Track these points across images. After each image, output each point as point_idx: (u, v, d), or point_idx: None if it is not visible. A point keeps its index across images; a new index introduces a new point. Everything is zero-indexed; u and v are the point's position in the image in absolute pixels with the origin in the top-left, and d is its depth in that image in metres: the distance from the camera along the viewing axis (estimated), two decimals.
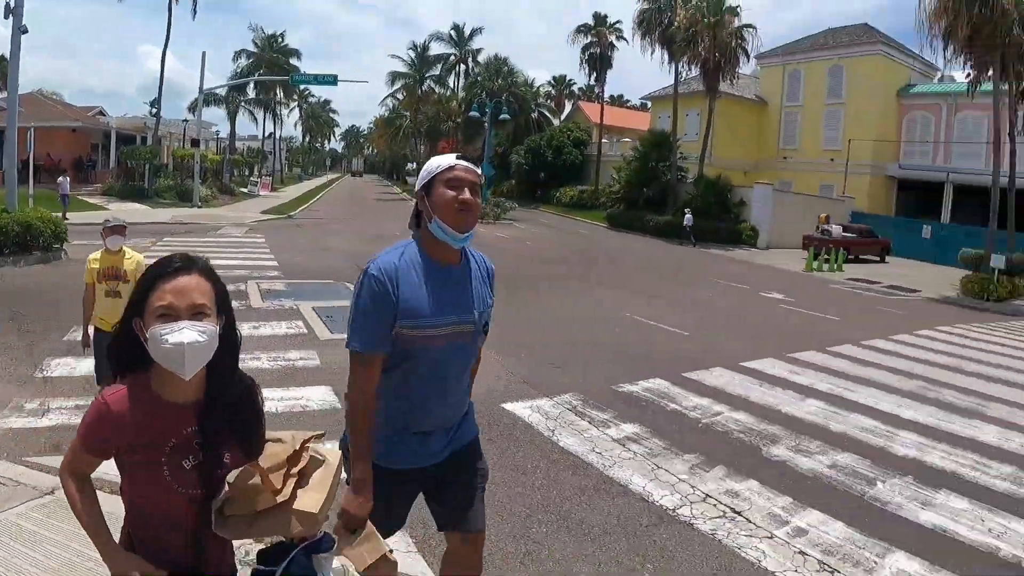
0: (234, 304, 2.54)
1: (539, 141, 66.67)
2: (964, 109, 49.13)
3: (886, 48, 54.95)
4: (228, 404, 2.47)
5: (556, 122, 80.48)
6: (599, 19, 64.84)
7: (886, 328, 18.48)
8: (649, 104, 71.36)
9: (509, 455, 7.38)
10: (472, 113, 54.09)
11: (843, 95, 55.81)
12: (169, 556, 2.44)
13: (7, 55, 22.00)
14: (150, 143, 50.93)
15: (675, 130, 49.07)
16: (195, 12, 50.56)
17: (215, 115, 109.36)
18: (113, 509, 2.52)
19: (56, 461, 3.75)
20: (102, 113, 59.86)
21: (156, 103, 53.68)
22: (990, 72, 32.54)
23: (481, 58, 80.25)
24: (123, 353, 2.43)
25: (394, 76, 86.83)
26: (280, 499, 2.41)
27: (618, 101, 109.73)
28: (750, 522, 6.33)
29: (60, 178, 30.93)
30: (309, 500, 2.47)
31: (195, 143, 46.60)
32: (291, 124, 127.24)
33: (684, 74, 49.56)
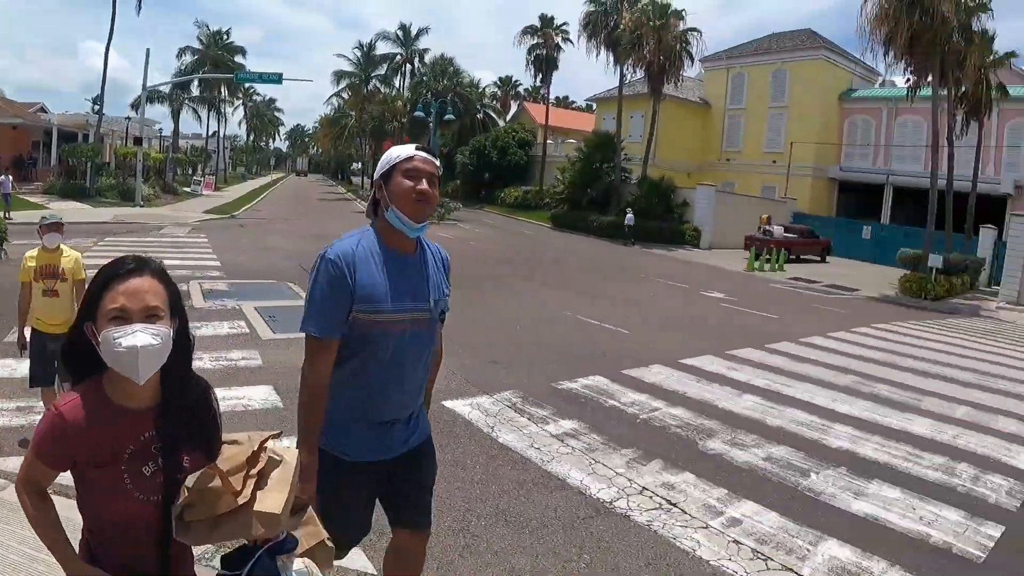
0: None
1: (484, 142, 66.77)
2: (904, 113, 50.14)
3: (829, 53, 55.82)
4: (184, 407, 2.44)
5: (502, 123, 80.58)
6: (545, 21, 64.97)
7: (825, 326, 18.83)
8: (594, 106, 71.72)
9: (449, 451, 7.42)
10: (417, 113, 53.84)
11: (786, 99, 56.58)
12: (131, 565, 2.40)
13: None
14: (92, 141, 50.03)
15: (619, 131, 49.27)
16: (140, 7, 50.15)
17: (159, 113, 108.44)
18: (70, 515, 2.47)
19: None
20: (43, 110, 59.02)
21: (99, 100, 53.01)
22: (929, 77, 33.15)
23: (428, 58, 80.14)
24: (77, 358, 2.39)
25: (339, 75, 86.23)
26: (241, 501, 2.36)
27: (564, 102, 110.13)
28: (685, 513, 6.45)
29: (1, 177, 30.29)
30: (271, 501, 2.42)
31: (138, 141, 45.86)
32: (235, 123, 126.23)
33: (629, 76, 49.84)
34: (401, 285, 3.29)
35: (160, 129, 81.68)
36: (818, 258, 43.25)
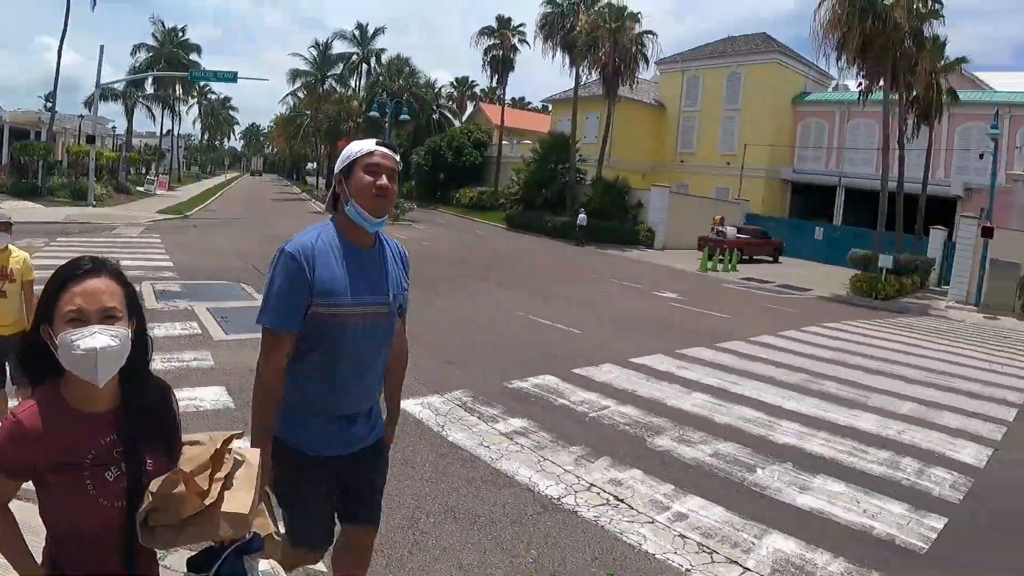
0: None
1: (440, 142, 66.63)
2: (856, 117, 50.91)
3: (783, 57, 56.56)
4: (144, 408, 2.40)
5: (458, 123, 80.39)
6: (502, 22, 64.84)
7: (776, 325, 19.04)
8: (550, 107, 72.15)
9: (399, 450, 7.37)
10: (372, 113, 53.59)
11: (740, 101, 57.21)
12: (96, 573, 2.31)
13: None
14: (44, 139, 49.26)
15: (574, 133, 49.43)
16: (95, 2, 49.34)
17: (112, 111, 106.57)
18: (26, 518, 2.42)
19: None
20: None
21: (51, 97, 52.25)
22: (881, 82, 33.68)
23: (384, 58, 79.79)
24: (34, 362, 2.33)
25: (295, 74, 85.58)
26: (208, 501, 2.32)
27: (520, 103, 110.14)
28: (632, 508, 6.52)
29: None
30: (237, 501, 2.38)
31: (91, 139, 45.12)
32: (190, 121, 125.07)
33: (585, 78, 50.16)
34: (360, 279, 3.30)
35: (114, 127, 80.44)
36: (771, 258, 43.74)
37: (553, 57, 50.14)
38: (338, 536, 3.79)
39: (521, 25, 64.07)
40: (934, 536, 6.52)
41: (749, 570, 5.57)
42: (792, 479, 7.60)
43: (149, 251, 22.86)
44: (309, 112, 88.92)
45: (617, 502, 6.64)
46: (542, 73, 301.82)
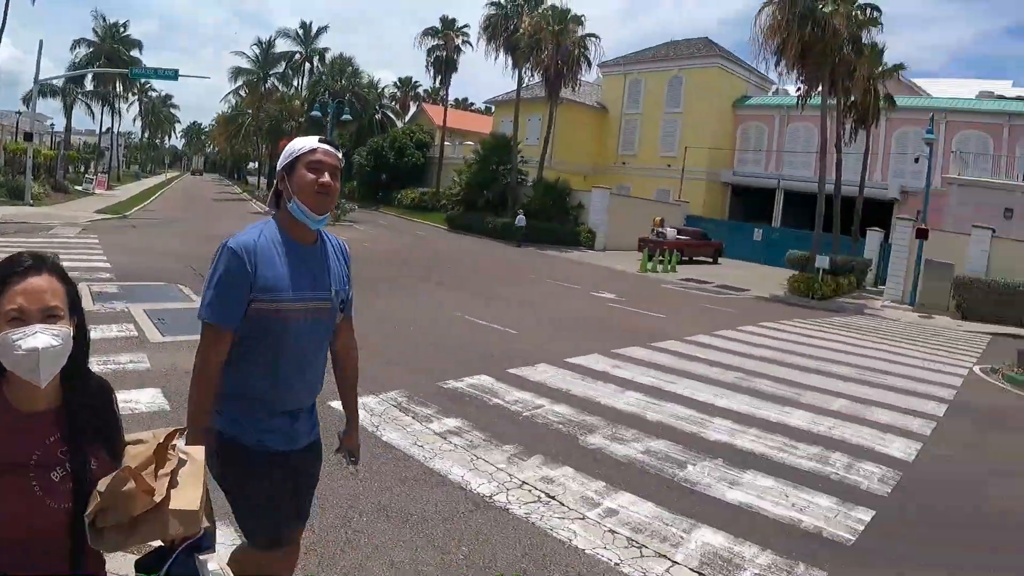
0: None
1: (382, 143, 66.61)
2: (795, 121, 51.73)
3: (724, 61, 57.28)
4: (87, 406, 2.36)
5: (400, 124, 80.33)
6: (446, 22, 64.78)
7: (713, 325, 19.25)
8: (493, 108, 72.14)
9: (332, 450, 7.41)
10: (314, 113, 53.27)
11: (682, 105, 57.82)
12: None
13: None
14: None
15: (516, 134, 49.63)
16: None
17: (51, 107, 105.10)
18: None
19: None
20: None
21: None
22: (820, 87, 34.22)
23: (328, 57, 79.41)
24: None
25: (237, 72, 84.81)
26: (157, 498, 2.26)
27: (463, 104, 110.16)
28: (563, 505, 6.54)
29: None
30: (186, 497, 2.33)
31: (28, 137, 44.26)
32: (130, 119, 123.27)
33: (527, 80, 50.17)
34: (302, 275, 3.30)
35: (52, 124, 79.42)
36: (710, 260, 44.29)
37: (496, 59, 50.52)
38: None
39: (465, 26, 64.26)
40: (861, 528, 6.64)
41: (678, 563, 5.62)
42: (722, 475, 7.69)
43: (87, 252, 22.50)
44: (251, 111, 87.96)
45: (548, 499, 6.66)
46: (485, 74, 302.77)
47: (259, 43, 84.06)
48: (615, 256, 41.12)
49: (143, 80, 78.67)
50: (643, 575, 5.42)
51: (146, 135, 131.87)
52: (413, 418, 8.80)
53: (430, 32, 64.63)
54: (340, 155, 3.44)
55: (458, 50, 64.61)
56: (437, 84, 72.98)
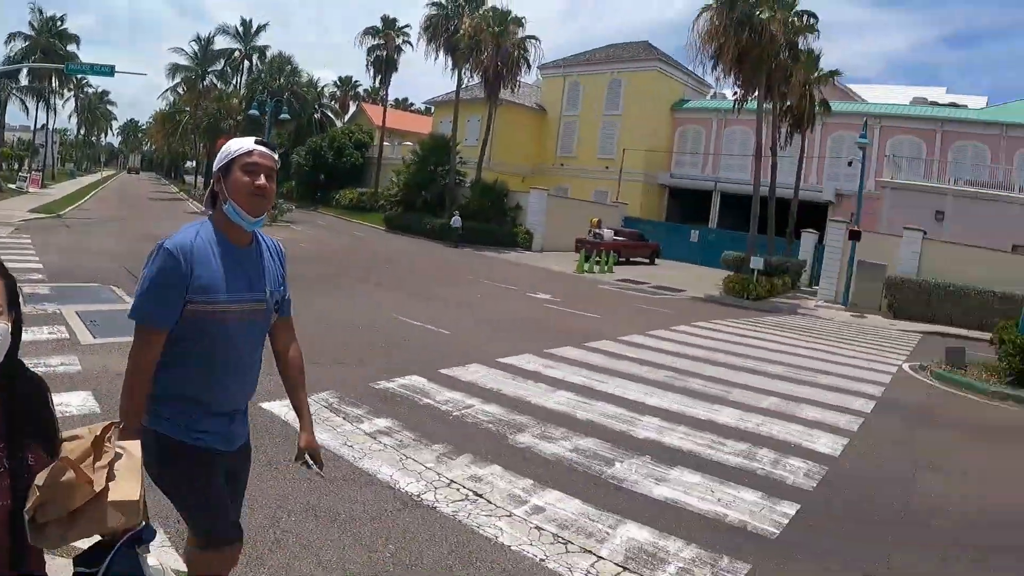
0: None
1: (321, 142, 66.20)
2: (732, 124, 52.43)
3: (663, 65, 57.83)
4: (24, 404, 2.34)
5: (340, 123, 80.00)
6: (387, 22, 64.38)
7: (647, 325, 19.42)
8: (432, 108, 72.09)
9: (263, 451, 7.29)
10: (252, 111, 52.73)
11: (620, 107, 58.25)
12: None
13: None
14: None
15: (455, 135, 49.65)
16: None
17: None
18: None
19: None
20: None
21: None
22: (756, 92, 34.66)
23: (268, 55, 78.78)
24: None
25: (175, 69, 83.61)
26: (97, 488, 2.25)
27: (403, 104, 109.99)
28: (490, 503, 6.56)
29: None
30: (125, 489, 2.33)
31: None
32: (66, 115, 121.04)
33: (467, 81, 50.22)
34: (238, 276, 3.29)
35: None
36: (647, 260, 44.67)
37: (436, 59, 50.26)
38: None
39: (406, 26, 63.96)
40: (786, 522, 6.76)
41: (602, 558, 5.67)
42: (650, 472, 7.76)
43: (18, 252, 22.04)
44: (189, 109, 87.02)
45: (476, 497, 6.67)
46: (425, 75, 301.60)
47: (198, 40, 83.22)
48: (552, 257, 41.33)
49: (79, 76, 77.12)
50: (568, 570, 5.45)
51: (82, 132, 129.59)
52: (344, 419, 8.76)
53: (371, 31, 64.20)
54: (276, 156, 3.44)
55: (399, 50, 64.31)
56: (377, 84, 72.54)
